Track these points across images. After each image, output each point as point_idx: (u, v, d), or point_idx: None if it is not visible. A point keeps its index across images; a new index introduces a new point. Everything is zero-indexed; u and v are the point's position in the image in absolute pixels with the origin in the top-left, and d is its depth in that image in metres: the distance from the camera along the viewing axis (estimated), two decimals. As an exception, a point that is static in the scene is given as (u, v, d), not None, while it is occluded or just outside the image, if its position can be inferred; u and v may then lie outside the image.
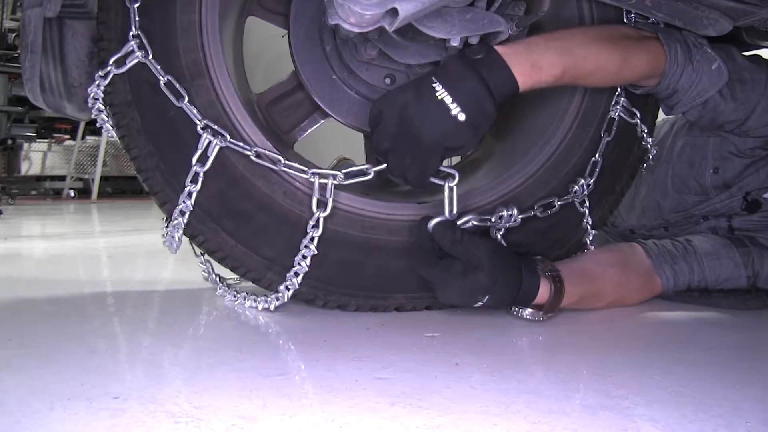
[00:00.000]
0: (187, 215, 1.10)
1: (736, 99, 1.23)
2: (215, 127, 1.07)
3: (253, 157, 1.08)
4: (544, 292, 1.10)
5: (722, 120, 1.27)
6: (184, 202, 1.09)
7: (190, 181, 1.08)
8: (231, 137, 1.08)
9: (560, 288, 1.11)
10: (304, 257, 1.11)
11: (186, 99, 1.06)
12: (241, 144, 1.07)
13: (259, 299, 1.18)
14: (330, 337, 1.02)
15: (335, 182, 1.09)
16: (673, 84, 1.20)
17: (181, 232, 1.13)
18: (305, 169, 1.09)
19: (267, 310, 1.17)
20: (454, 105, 1.00)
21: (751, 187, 1.40)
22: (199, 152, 1.07)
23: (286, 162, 1.09)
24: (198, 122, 1.06)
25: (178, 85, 1.06)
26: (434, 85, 1.01)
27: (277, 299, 1.15)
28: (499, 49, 1.04)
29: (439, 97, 1.00)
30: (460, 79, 1.01)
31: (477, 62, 1.02)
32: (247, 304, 1.20)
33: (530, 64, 1.04)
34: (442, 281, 1.03)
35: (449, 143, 1.03)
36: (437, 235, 1.05)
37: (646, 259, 1.28)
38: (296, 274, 1.12)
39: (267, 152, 1.08)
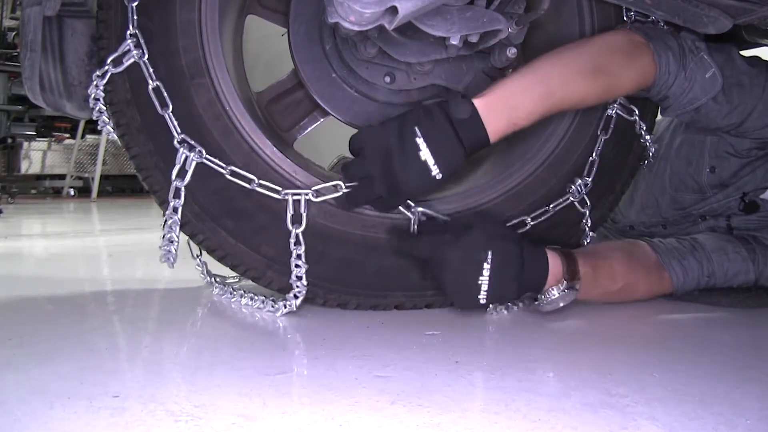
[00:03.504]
0: (177, 228, 1.10)
1: (731, 103, 1.23)
2: (191, 142, 1.07)
3: (227, 175, 1.08)
4: (555, 259, 1.09)
5: (716, 125, 1.28)
6: (171, 217, 1.09)
7: (173, 197, 1.08)
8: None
9: (569, 253, 1.11)
10: (299, 278, 1.11)
11: (170, 108, 1.06)
12: (216, 161, 1.07)
13: (255, 298, 1.18)
14: (330, 336, 1.02)
15: (307, 199, 1.10)
16: (664, 91, 1.21)
17: (175, 245, 1.13)
18: (279, 189, 1.09)
19: (260, 309, 1.17)
20: (435, 167, 1.05)
21: (749, 187, 1.40)
22: (177, 167, 1.07)
23: (260, 182, 1.09)
24: (176, 135, 1.07)
25: (165, 93, 1.06)
26: (418, 140, 1.05)
27: (272, 308, 1.15)
28: (480, 106, 1.07)
29: (423, 158, 1.05)
30: (442, 140, 1.06)
31: (459, 123, 1.06)
32: (244, 301, 1.20)
33: (506, 122, 1.09)
34: (438, 249, 1.05)
35: (421, 195, 1.13)
36: (424, 226, 1.13)
37: (652, 253, 1.26)
38: (295, 297, 1.13)
39: (241, 171, 1.08)
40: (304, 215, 1.10)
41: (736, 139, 1.37)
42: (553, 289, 1.09)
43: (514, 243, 1.06)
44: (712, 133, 1.40)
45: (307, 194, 1.10)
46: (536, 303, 1.11)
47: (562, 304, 1.09)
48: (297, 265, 1.11)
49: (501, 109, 1.08)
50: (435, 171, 1.05)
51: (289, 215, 1.09)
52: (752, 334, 1.13)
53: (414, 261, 1.13)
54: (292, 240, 1.10)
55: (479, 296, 1.04)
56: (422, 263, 1.11)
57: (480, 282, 1.03)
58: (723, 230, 1.43)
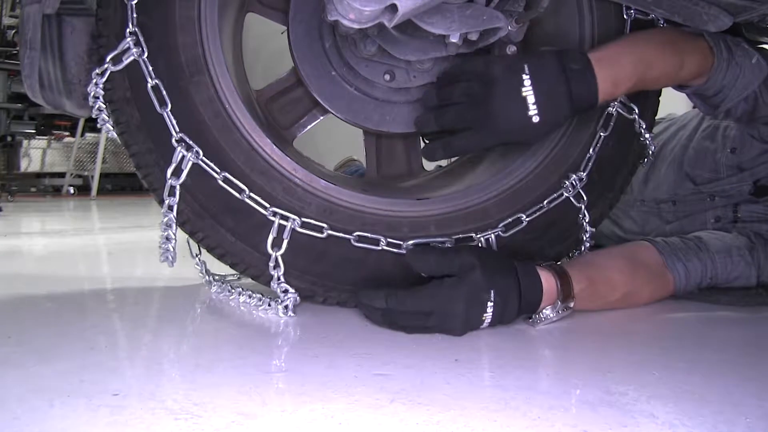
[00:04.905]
0: (174, 226, 1.10)
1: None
2: (189, 141, 1.07)
3: (220, 181, 1.08)
4: (548, 279, 1.06)
5: (761, 113, 1.30)
6: (167, 215, 1.09)
7: (168, 195, 1.08)
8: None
9: (563, 271, 1.08)
10: (285, 291, 1.11)
11: (169, 107, 1.06)
12: (211, 164, 1.07)
13: (254, 296, 1.18)
14: (330, 334, 1.02)
15: (293, 226, 1.09)
16: (720, 80, 1.22)
17: (172, 243, 1.13)
18: (267, 205, 1.09)
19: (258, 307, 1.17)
20: (534, 107, 1.05)
21: (763, 174, 1.43)
22: (173, 165, 1.07)
23: (250, 194, 1.08)
24: (174, 134, 1.06)
25: (164, 92, 1.06)
26: (524, 76, 1.05)
27: (269, 306, 1.15)
28: (591, 58, 1.08)
29: (523, 94, 1.05)
30: (550, 85, 1.06)
31: (571, 72, 1.06)
32: (242, 299, 1.20)
33: (611, 81, 1.10)
34: (439, 299, 0.99)
35: (511, 137, 1.10)
36: (416, 260, 1.06)
37: (657, 256, 1.25)
38: (286, 308, 1.12)
39: (233, 179, 1.08)
40: (285, 241, 1.09)
41: (764, 127, 1.39)
42: (546, 309, 1.07)
43: (511, 274, 1.03)
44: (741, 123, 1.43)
45: (294, 220, 1.09)
46: (530, 321, 1.09)
47: (555, 320, 1.08)
48: (279, 283, 1.11)
49: (607, 66, 1.09)
50: (533, 111, 1.05)
51: (270, 237, 1.09)
52: (752, 333, 1.13)
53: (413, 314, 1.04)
54: (272, 264, 1.10)
55: (482, 326, 1.03)
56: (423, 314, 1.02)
57: (483, 318, 1.02)
58: (728, 220, 1.44)
